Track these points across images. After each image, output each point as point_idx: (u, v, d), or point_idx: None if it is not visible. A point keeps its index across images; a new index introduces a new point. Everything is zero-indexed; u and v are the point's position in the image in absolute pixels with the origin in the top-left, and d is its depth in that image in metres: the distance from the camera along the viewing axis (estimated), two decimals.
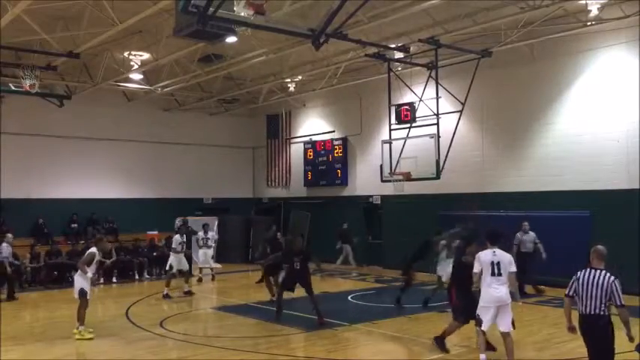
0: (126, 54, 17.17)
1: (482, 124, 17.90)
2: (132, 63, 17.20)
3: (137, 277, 19.04)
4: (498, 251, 8.25)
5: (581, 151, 15.65)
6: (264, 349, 9.83)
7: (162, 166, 23.97)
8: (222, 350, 9.80)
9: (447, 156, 15.29)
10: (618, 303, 6.34)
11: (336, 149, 22.78)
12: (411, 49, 16.16)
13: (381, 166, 16.58)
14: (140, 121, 23.55)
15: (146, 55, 17.11)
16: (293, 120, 25.09)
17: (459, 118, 15.99)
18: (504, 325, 8.22)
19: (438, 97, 15.49)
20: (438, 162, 15.18)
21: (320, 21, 10.93)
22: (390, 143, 16.19)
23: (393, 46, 16.05)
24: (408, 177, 15.83)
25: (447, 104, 16.30)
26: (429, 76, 15.85)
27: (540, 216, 15.97)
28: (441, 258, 12.57)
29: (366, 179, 21.49)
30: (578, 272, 6.57)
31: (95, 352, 10.27)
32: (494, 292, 8.14)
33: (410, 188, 16.71)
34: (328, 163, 23.04)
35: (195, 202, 24.56)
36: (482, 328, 8.28)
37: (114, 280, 18.38)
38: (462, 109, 15.88)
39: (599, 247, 6.67)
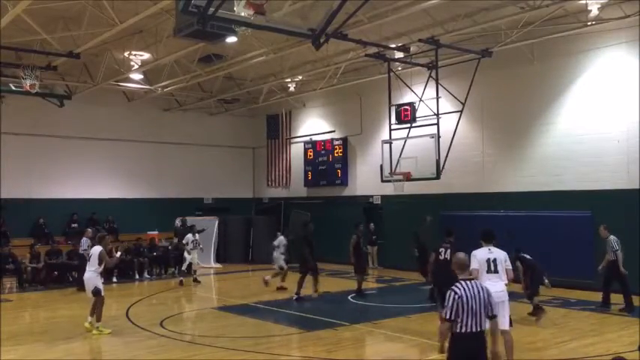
0: (126, 54, 17.18)
1: (482, 124, 17.90)
2: (132, 63, 17.21)
3: (137, 277, 19.03)
4: (493, 248, 8.34)
5: (581, 151, 15.65)
6: (264, 348, 9.83)
7: (162, 166, 23.99)
8: (223, 350, 9.80)
9: (447, 156, 15.28)
10: (490, 313, 5.76)
11: (336, 149, 22.78)
12: (411, 49, 16.16)
13: (381, 166, 16.57)
14: (140, 121, 23.56)
15: (146, 55, 17.12)
16: (293, 120, 25.09)
17: (459, 118, 15.98)
18: (502, 323, 8.20)
19: (438, 97, 15.48)
20: (438, 162, 15.16)
21: (320, 21, 10.92)
22: (390, 143, 16.19)
23: (393, 46, 16.06)
24: (408, 177, 15.82)
25: (447, 104, 16.30)
26: (429, 76, 15.84)
27: (541, 216, 15.99)
28: None
29: (366, 179, 21.49)
30: (455, 289, 5.69)
31: (95, 352, 10.28)
32: (490, 288, 8.15)
33: (410, 188, 16.70)
34: (328, 163, 23.04)
35: (195, 202, 24.57)
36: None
37: (114, 280, 18.35)
38: (462, 109, 15.87)
39: (460, 255, 6.07)
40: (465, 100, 15.80)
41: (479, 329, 5.60)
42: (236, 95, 23.19)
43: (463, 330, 5.58)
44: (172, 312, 13.59)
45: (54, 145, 21.43)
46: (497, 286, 8.10)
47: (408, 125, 16.00)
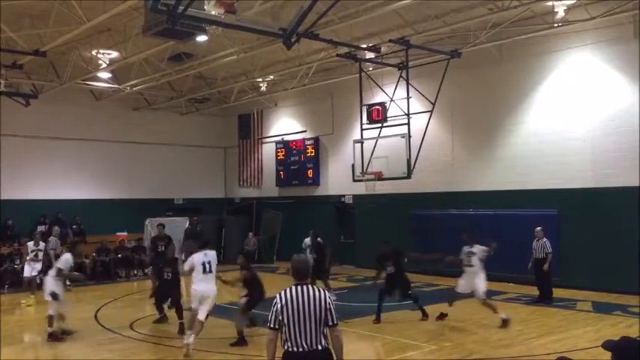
0: (94, 52, 16.91)
1: (452, 123, 18.10)
2: (100, 61, 16.97)
3: (107, 279, 18.74)
4: (209, 252, 9.93)
5: (548, 151, 15.93)
6: (236, 349, 9.78)
7: (131, 166, 23.66)
8: (194, 352, 9.70)
9: (417, 155, 15.39)
10: (331, 322, 4.90)
11: (307, 149, 22.79)
12: (382, 49, 16.24)
13: (353, 165, 16.63)
14: (108, 121, 23.20)
15: (115, 54, 16.87)
16: (265, 120, 25.01)
17: (430, 118, 16.12)
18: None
19: (408, 97, 15.59)
20: (409, 161, 15.27)
21: (291, 20, 10.90)
22: (362, 143, 16.25)
23: (364, 46, 16.12)
24: (379, 176, 15.91)
25: (417, 104, 16.41)
26: (400, 76, 15.94)
27: (509, 215, 16.23)
28: None
29: (337, 179, 21.54)
30: (281, 294, 4.84)
31: (63, 356, 10.10)
32: (204, 288, 9.77)
33: (381, 188, 16.80)
34: (300, 163, 23.03)
35: (166, 202, 24.30)
36: None
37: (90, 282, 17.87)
38: (432, 109, 15.99)
39: (298, 257, 5.29)
40: (435, 100, 15.93)
41: (314, 347, 4.77)
42: (207, 94, 23.02)
43: (291, 348, 4.75)
44: (143, 314, 13.41)
45: (20, 145, 20.96)
46: (210, 285, 9.69)
47: (379, 125, 16.09)
